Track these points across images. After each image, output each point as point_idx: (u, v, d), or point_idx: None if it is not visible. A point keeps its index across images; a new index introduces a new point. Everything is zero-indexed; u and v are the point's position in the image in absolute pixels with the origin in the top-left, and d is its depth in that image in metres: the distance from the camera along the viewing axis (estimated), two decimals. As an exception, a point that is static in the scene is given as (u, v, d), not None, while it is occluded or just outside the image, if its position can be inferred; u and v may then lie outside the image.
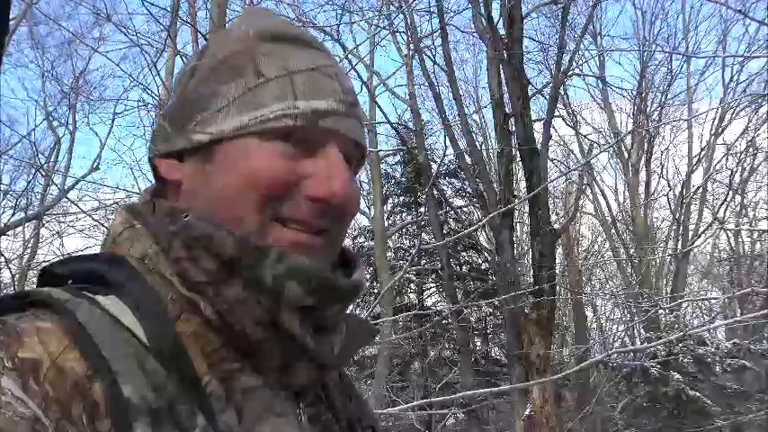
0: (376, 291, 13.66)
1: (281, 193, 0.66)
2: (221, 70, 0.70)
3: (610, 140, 16.02)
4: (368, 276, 14.93)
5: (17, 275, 9.70)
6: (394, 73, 19.76)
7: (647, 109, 16.26)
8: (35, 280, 0.73)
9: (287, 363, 0.65)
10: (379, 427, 0.84)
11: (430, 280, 16.51)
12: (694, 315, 16.15)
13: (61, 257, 0.71)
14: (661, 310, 11.62)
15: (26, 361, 0.54)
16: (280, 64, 0.69)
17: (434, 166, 11.80)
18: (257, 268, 0.63)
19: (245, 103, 0.67)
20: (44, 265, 0.70)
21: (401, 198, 16.81)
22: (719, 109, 14.51)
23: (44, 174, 10.77)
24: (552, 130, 9.99)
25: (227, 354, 0.63)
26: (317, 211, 0.66)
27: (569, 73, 10.41)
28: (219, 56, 0.71)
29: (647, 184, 17.39)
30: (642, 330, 14.32)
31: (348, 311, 0.77)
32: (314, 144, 0.68)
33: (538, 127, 9.07)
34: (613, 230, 17.16)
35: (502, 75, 8.77)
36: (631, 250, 16.45)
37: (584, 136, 14.27)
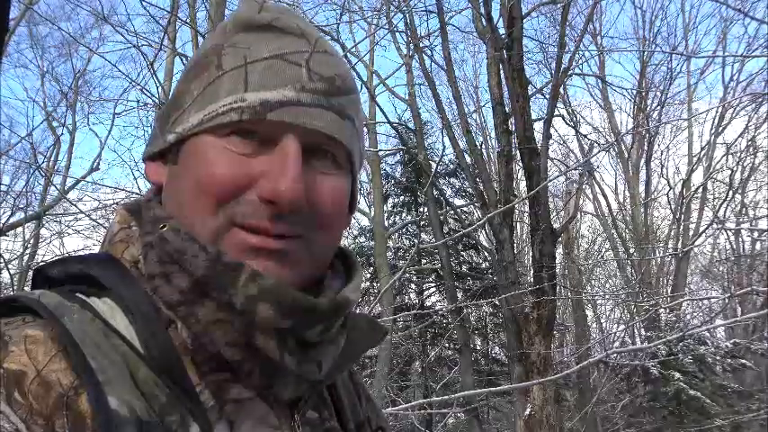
0: (376, 291, 13.65)
1: (232, 196, 0.61)
2: (195, 68, 0.67)
3: (610, 140, 16.02)
4: (368, 276, 14.92)
5: (17, 276, 9.69)
6: (393, 73, 19.82)
7: (647, 108, 16.25)
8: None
9: (268, 381, 0.62)
10: (389, 427, 0.82)
11: (430, 280, 16.50)
12: (694, 315, 16.14)
13: (56, 258, 0.69)
14: (661, 310, 11.61)
15: (11, 372, 0.52)
16: (241, 54, 0.64)
17: (434, 166, 11.80)
18: (228, 289, 0.58)
19: (204, 99, 0.64)
20: (38, 265, 0.68)
21: (401, 198, 16.80)
22: (719, 108, 14.51)
23: (44, 174, 10.77)
24: (552, 130, 9.98)
25: (217, 364, 0.61)
26: (271, 212, 0.60)
27: (569, 72, 10.39)
28: (199, 53, 0.69)
29: (648, 183, 17.41)
30: (642, 330, 14.32)
31: (357, 314, 0.74)
32: (270, 139, 0.62)
33: (538, 126, 9.05)
34: (613, 230, 17.15)
35: (502, 74, 8.76)
36: (631, 250, 16.44)
37: (584, 135, 14.24)
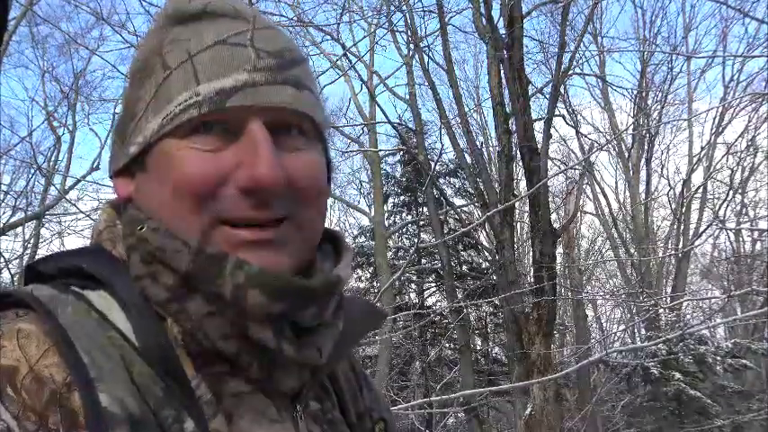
0: (376, 291, 13.65)
1: (210, 195, 0.59)
2: (140, 73, 0.65)
3: (610, 140, 16.00)
4: (368, 276, 14.93)
5: (17, 276, 9.68)
6: (394, 73, 19.81)
7: (648, 108, 16.23)
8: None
9: (268, 372, 0.61)
10: (391, 418, 0.81)
11: (430, 279, 16.50)
12: (695, 315, 16.13)
13: (48, 254, 0.69)
14: (661, 310, 11.60)
15: (3, 367, 0.51)
16: (183, 48, 0.62)
17: (432, 165, 11.80)
18: (215, 280, 0.58)
19: (158, 103, 0.62)
20: (29, 262, 0.67)
21: (401, 198, 16.80)
22: (720, 108, 14.47)
23: (44, 174, 10.78)
24: (552, 130, 9.96)
25: (214, 357, 0.60)
26: (253, 201, 0.59)
27: (569, 72, 10.39)
28: (139, 57, 0.66)
29: (648, 183, 17.40)
30: (643, 330, 14.32)
31: (353, 296, 0.73)
32: (234, 127, 0.60)
33: (538, 126, 9.04)
34: (614, 230, 17.15)
35: (502, 74, 8.75)
36: (631, 250, 16.44)
37: (585, 135, 14.23)
